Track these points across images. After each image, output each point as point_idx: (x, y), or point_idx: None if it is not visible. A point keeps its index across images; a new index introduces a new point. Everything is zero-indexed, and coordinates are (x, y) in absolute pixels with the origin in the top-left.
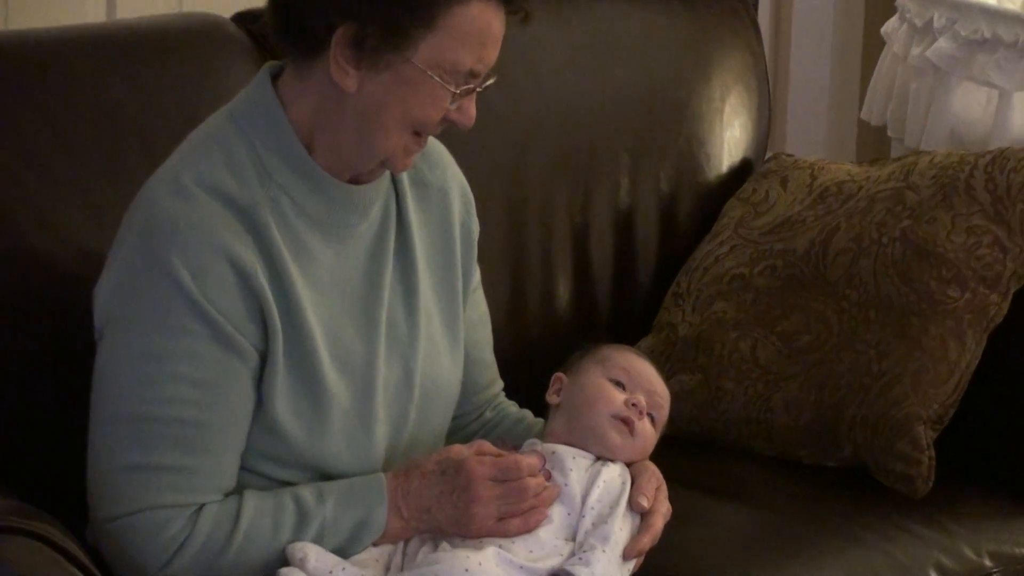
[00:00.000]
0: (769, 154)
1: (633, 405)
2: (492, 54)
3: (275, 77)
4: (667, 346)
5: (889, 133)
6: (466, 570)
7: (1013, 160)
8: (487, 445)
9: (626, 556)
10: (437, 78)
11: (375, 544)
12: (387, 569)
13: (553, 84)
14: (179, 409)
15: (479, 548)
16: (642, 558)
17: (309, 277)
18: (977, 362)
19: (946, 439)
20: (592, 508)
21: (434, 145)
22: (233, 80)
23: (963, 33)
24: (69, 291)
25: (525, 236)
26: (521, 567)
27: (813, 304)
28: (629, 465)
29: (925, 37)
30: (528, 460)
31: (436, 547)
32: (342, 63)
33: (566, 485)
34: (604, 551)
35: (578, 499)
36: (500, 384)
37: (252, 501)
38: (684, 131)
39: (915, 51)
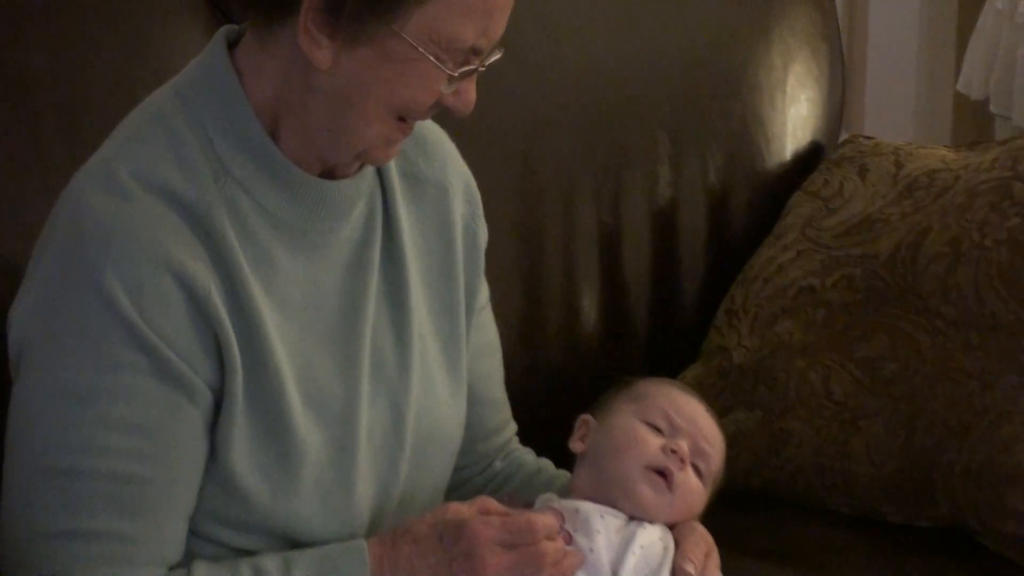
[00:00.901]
0: (844, 136)
1: (672, 452)
2: (500, 26)
3: (232, 45)
4: (719, 376)
5: (992, 108)
6: None
7: None
8: (492, 502)
9: None
10: (431, 56)
11: None
12: None
13: (575, 50)
14: (113, 462)
15: None
16: None
17: (275, 296)
18: None
19: None
20: None
21: (431, 130)
22: (179, 48)
23: None
24: None
25: (542, 240)
26: None
27: (900, 323)
28: (672, 527)
29: None
30: (544, 519)
31: None
32: (313, 32)
33: (591, 551)
34: None
35: (606, 568)
36: (513, 427)
37: (202, 574)
38: (738, 108)
39: None
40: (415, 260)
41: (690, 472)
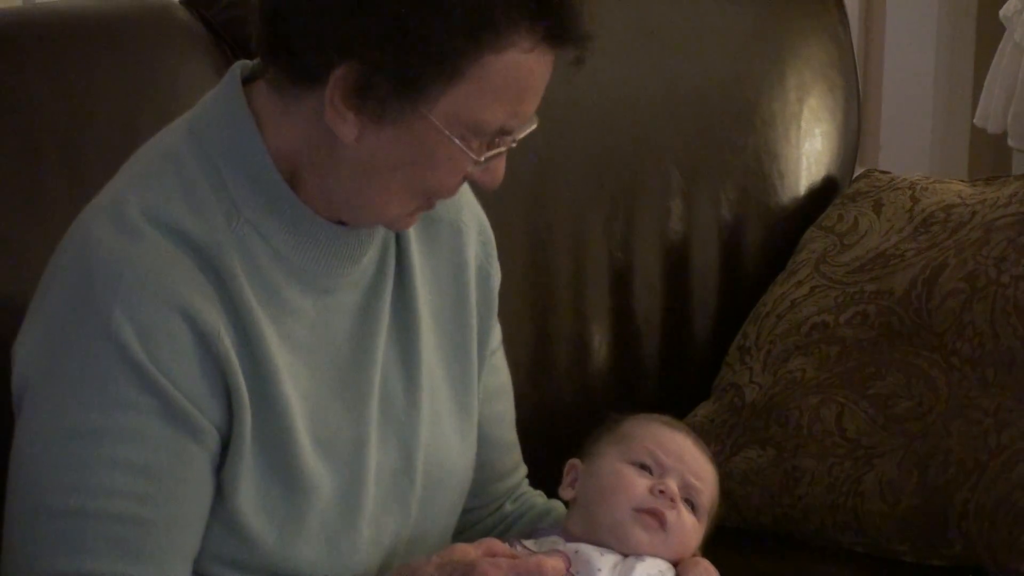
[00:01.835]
0: (859, 171)
1: (661, 492)
2: (531, 107)
3: (247, 79)
4: (731, 414)
5: (1010, 143)
6: None
7: None
8: (499, 544)
9: None
10: (458, 140)
11: None
12: None
13: (587, 81)
14: (117, 503)
15: None
16: None
17: (285, 337)
18: None
19: None
20: None
21: None
22: (184, 83)
23: None
24: None
25: (551, 275)
26: None
27: (915, 360)
28: (675, 564)
29: None
30: (551, 563)
31: None
32: (340, 106)
33: None
34: None
35: None
36: (523, 470)
37: None
38: (751, 142)
39: None
40: (427, 302)
41: (682, 509)
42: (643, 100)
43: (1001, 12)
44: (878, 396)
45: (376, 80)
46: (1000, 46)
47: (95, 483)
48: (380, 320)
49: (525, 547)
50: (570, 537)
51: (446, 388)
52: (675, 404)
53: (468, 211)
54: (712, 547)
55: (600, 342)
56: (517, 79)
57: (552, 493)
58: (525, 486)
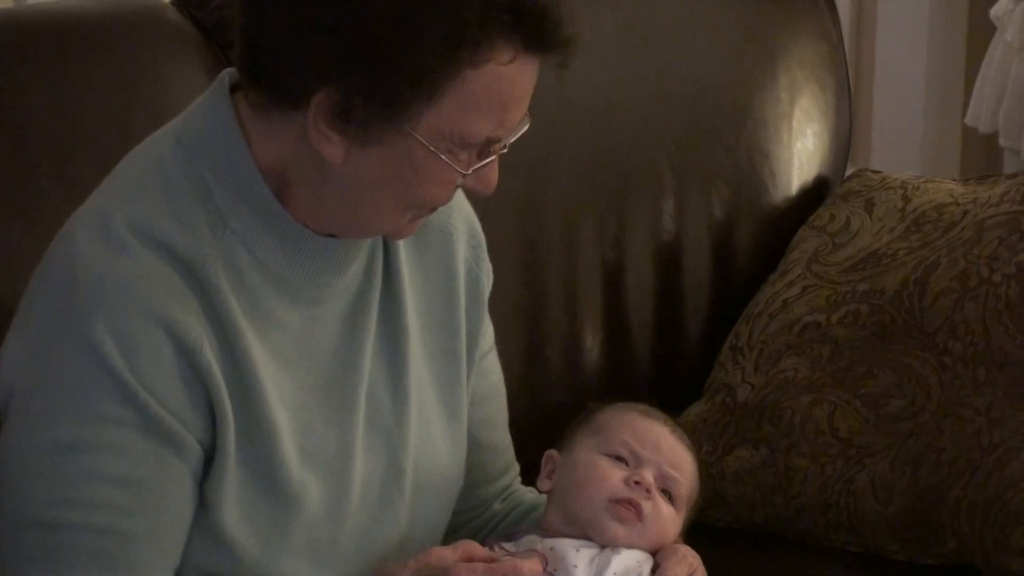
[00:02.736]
0: (850, 170)
1: (636, 483)
2: (517, 116)
3: (235, 87)
4: (723, 413)
5: (1001, 142)
6: None
7: None
8: (476, 547)
9: None
10: (443, 154)
11: None
12: None
13: (578, 82)
14: (98, 515)
15: None
16: None
17: (270, 348)
18: None
19: None
20: None
21: None
22: (176, 87)
23: None
24: None
25: (544, 276)
26: None
27: (906, 360)
28: (654, 553)
29: None
30: (528, 565)
31: None
32: (324, 129)
33: None
34: None
35: None
36: (516, 469)
37: None
38: (743, 142)
39: None
40: (415, 308)
41: (659, 499)
42: (634, 100)
43: (992, 12)
44: (870, 395)
45: (356, 103)
46: (991, 46)
47: (76, 496)
48: (367, 329)
49: (503, 548)
50: (547, 533)
51: (434, 393)
52: (668, 404)
53: (458, 214)
54: (705, 546)
55: (592, 342)
56: (499, 90)
57: None
58: (516, 485)
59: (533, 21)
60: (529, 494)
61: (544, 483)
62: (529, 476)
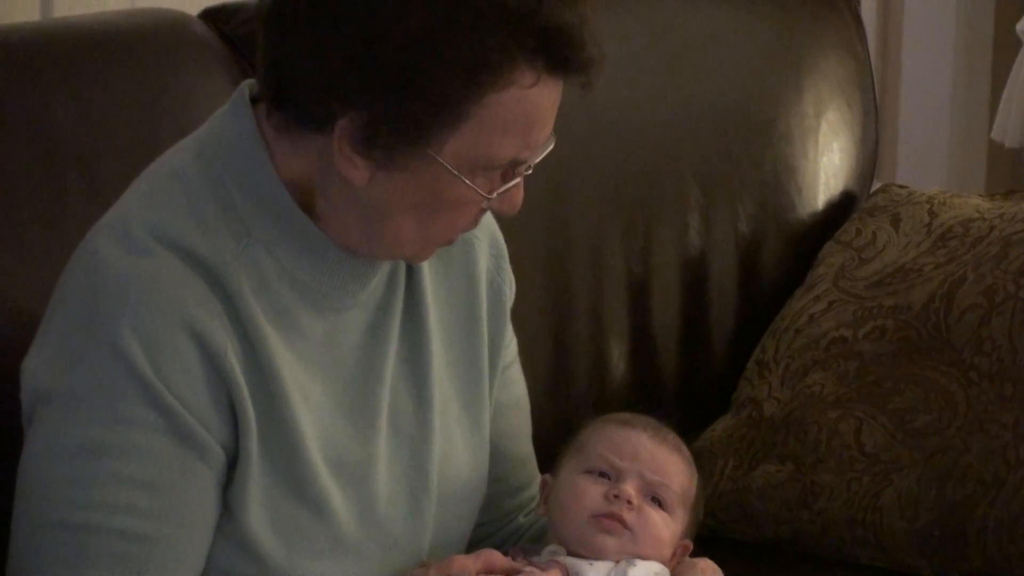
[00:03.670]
0: (876, 185)
1: (615, 497)
2: (542, 135)
3: (256, 98)
4: (749, 428)
5: None
6: None
7: None
8: (498, 557)
9: None
10: (467, 180)
11: None
12: None
13: (605, 98)
14: (121, 518)
15: None
16: None
17: (295, 356)
18: None
19: None
20: None
21: None
22: (202, 95)
23: None
24: None
25: (570, 291)
26: None
27: (933, 375)
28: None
29: None
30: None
31: None
32: (348, 152)
33: None
34: None
35: None
36: (539, 483)
37: None
38: (769, 157)
39: None
40: (437, 317)
41: (646, 507)
42: (661, 115)
43: (1018, 26)
44: (896, 411)
45: (380, 129)
46: (1017, 60)
47: (99, 498)
48: (389, 338)
49: (525, 558)
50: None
51: (457, 402)
52: (693, 418)
53: (480, 226)
54: (730, 561)
55: (618, 357)
56: (524, 113)
57: None
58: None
59: (556, 44)
60: None
61: (541, 508)
62: None
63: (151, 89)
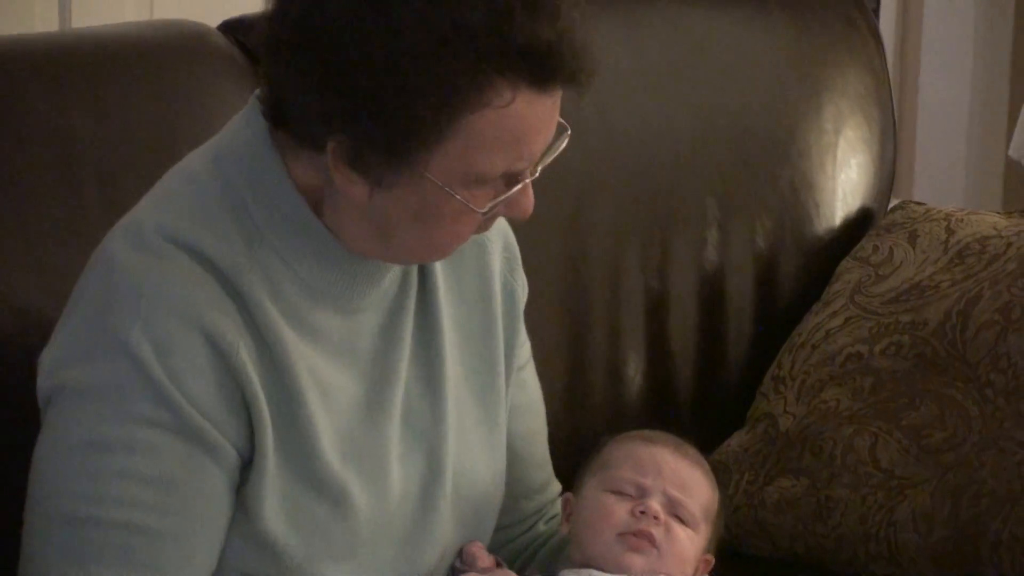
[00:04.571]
0: (894, 202)
1: (642, 513)
2: (538, 145)
3: None
4: (764, 443)
5: None
6: None
7: None
8: None
9: None
10: (459, 195)
11: None
12: None
13: (622, 113)
14: (128, 512)
15: None
16: None
17: (309, 355)
18: None
19: None
20: None
21: None
22: (222, 107)
23: None
24: (10, 363)
25: (587, 305)
26: None
27: (948, 392)
28: None
29: None
30: None
31: None
32: (344, 172)
33: None
34: None
35: None
36: (556, 487)
37: None
38: (787, 173)
39: None
40: (450, 317)
41: (672, 524)
42: (679, 130)
43: None
44: (912, 427)
45: (365, 151)
46: None
47: (107, 494)
48: (403, 338)
49: None
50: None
51: (472, 401)
52: (709, 433)
53: (493, 228)
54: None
55: (635, 371)
56: (509, 128)
57: None
58: (559, 506)
59: (531, 62)
60: None
61: (564, 527)
62: None
63: (169, 100)
